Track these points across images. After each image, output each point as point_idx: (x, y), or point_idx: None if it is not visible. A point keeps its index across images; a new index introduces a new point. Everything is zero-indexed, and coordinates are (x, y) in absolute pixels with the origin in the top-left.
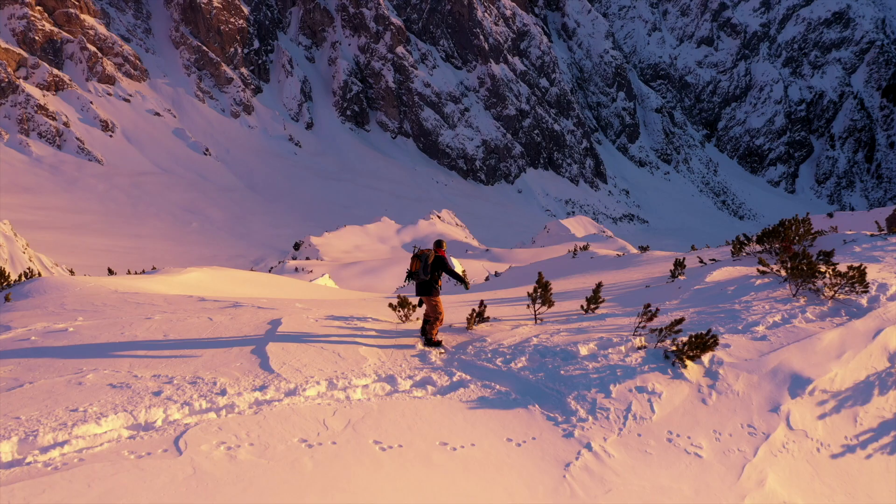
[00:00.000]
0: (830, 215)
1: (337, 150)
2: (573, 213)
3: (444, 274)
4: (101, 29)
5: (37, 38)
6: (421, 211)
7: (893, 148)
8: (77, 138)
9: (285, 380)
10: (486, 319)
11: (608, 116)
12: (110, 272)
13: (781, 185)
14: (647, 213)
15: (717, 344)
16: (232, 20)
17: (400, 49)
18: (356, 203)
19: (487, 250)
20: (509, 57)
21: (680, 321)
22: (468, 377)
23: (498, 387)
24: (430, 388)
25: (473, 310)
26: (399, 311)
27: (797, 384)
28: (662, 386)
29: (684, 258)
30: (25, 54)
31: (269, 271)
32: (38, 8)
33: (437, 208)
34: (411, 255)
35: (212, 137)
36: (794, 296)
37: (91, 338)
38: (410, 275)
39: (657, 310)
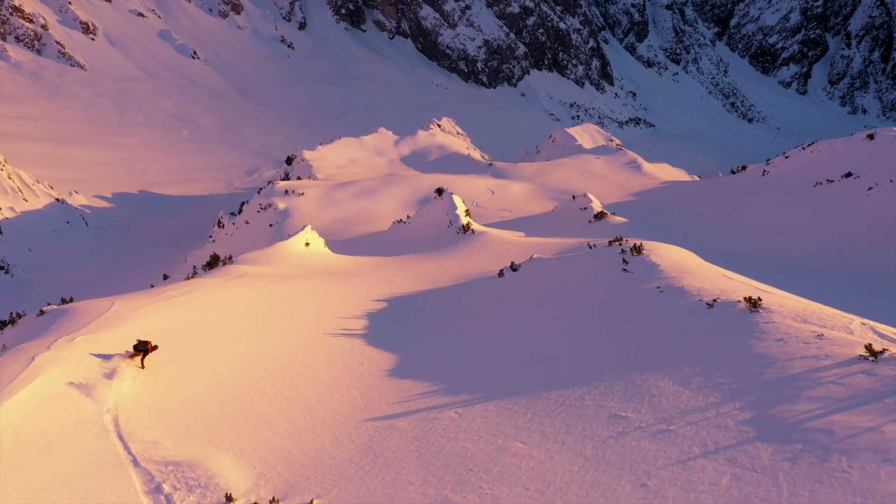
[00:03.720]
0: (871, 136)
1: (332, 51)
2: (578, 117)
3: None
4: None
5: None
6: (420, 117)
7: None
8: (57, 42)
9: None
10: None
11: (616, 14)
12: None
13: (793, 86)
14: (654, 117)
15: None
16: None
17: None
18: (353, 108)
19: (490, 164)
20: None
21: None
22: None
23: None
24: None
25: None
26: None
27: None
28: None
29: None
30: None
31: (259, 192)
32: None
33: (437, 113)
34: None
35: (199, 39)
36: None
37: None
38: (139, 349)
39: None
